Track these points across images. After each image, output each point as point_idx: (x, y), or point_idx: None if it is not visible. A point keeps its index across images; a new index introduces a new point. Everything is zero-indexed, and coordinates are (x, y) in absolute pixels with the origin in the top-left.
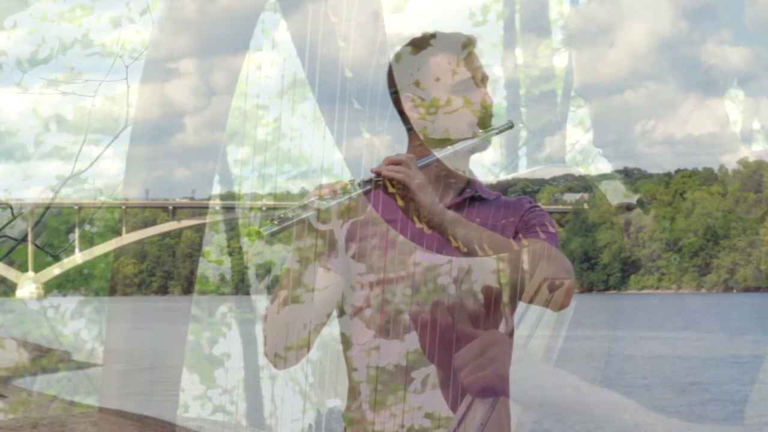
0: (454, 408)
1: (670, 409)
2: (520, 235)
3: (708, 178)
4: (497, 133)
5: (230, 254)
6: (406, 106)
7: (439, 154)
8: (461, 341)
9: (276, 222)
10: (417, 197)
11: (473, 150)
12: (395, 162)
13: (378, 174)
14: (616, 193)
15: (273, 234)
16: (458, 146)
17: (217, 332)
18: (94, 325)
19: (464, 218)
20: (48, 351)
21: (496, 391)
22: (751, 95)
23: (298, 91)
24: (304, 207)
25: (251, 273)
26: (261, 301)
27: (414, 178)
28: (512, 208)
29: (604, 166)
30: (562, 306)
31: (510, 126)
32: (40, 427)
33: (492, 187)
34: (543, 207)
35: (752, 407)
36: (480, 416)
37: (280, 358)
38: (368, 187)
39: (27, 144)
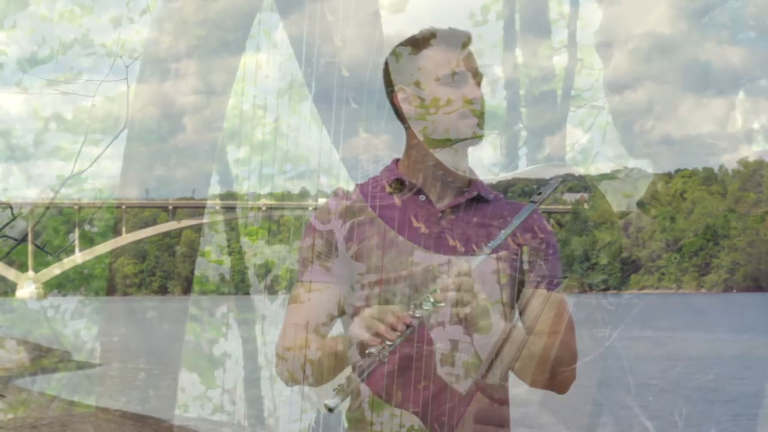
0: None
1: (669, 408)
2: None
3: (708, 178)
4: (551, 192)
5: (230, 254)
6: (399, 97)
7: (497, 239)
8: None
9: (339, 391)
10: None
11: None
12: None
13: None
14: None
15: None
16: (524, 213)
17: (217, 332)
18: (94, 325)
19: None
20: (48, 351)
21: None
22: (751, 95)
23: (295, 91)
24: (368, 361)
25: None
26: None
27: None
28: (519, 209)
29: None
30: (561, 392)
31: (563, 181)
32: (40, 427)
33: (492, 187)
34: (543, 207)
35: (752, 407)
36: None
37: (281, 359)
38: (426, 314)
39: (27, 144)
